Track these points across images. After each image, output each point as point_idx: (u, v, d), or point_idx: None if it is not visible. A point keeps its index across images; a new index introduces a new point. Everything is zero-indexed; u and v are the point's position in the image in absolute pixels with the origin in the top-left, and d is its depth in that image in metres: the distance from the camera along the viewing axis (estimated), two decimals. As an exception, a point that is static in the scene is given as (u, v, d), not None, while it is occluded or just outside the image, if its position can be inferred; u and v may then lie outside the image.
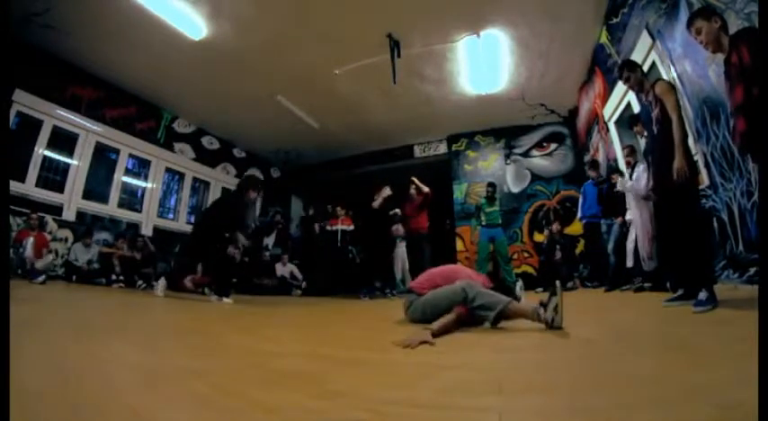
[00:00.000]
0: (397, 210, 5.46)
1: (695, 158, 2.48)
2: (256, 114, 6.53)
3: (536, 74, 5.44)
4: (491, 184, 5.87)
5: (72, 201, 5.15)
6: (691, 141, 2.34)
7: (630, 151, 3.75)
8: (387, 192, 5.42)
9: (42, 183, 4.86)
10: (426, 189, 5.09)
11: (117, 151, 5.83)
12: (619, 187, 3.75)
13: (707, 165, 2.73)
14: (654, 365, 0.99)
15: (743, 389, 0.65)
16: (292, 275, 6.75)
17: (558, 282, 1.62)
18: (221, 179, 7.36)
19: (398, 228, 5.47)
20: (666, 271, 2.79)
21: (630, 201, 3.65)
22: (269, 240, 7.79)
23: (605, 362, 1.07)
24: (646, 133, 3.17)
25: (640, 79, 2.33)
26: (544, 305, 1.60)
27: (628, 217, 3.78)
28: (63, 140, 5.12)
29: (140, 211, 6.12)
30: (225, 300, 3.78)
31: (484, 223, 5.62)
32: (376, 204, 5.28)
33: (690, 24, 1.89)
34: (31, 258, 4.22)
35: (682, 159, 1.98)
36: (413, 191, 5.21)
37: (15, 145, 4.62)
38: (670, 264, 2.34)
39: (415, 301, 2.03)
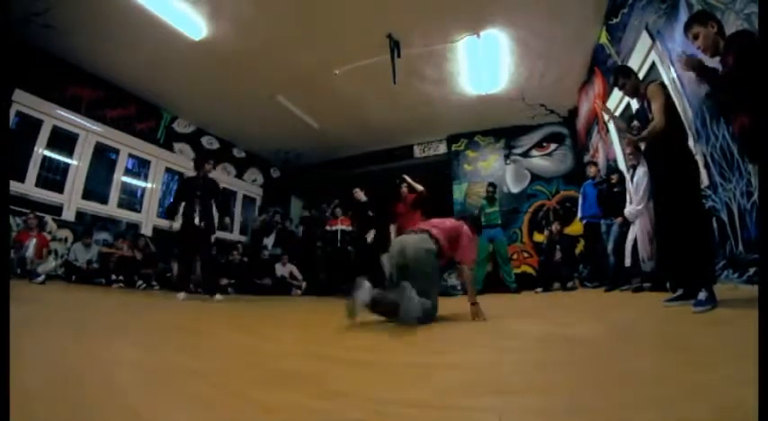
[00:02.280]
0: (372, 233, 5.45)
1: (695, 157, 2.47)
2: (256, 114, 6.53)
3: (536, 74, 5.44)
4: (492, 185, 5.88)
5: (72, 201, 5.14)
6: (690, 142, 2.34)
7: (634, 151, 3.72)
8: (360, 195, 5.46)
9: (42, 182, 4.86)
10: (420, 187, 5.06)
11: (117, 151, 5.83)
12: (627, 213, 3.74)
13: (706, 166, 2.73)
14: (654, 365, 0.99)
15: (743, 388, 0.65)
16: (292, 275, 6.75)
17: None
18: (221, 179, 7.33)
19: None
20: (666, 271, 2.79)
21: (634, 198, 3.63)
22: (268, 240, 7.79)
23: (605, 361, 1.07)
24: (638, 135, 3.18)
25: (635, 85, 2.32)
26: None
27: (626, 211, 3.74)
28: (63, 140, 5.12)
29: (140, 211, 6.12)
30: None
31: (483, 224, 5.62)
32: (370, 239, 5.34)
33: (687, 30, 1.89)
34: (31, 258, 4.22)
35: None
36: (404, 189, 5.19)
37: (15, 145, 4.62)
38: (670, 264, 2.34)
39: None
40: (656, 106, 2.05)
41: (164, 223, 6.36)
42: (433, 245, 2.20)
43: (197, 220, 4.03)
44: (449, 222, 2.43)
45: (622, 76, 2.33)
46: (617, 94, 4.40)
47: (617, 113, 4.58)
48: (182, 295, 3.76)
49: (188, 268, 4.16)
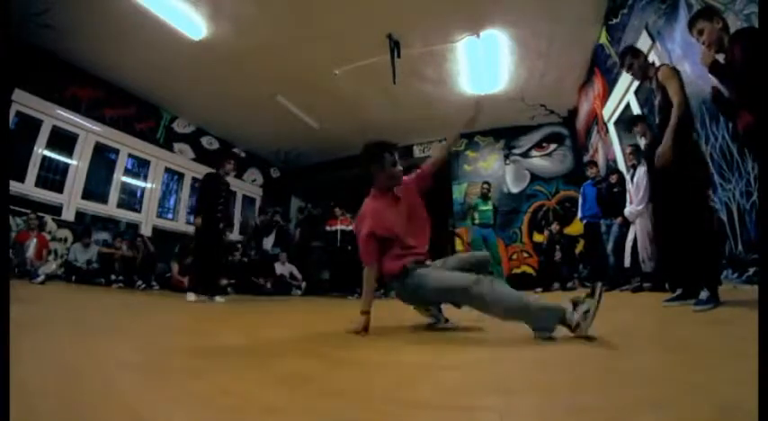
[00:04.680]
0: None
1: (702, 150, 2.43)
2: (256, 114, 6.53)
3: (536, 74, 5.44)
4: (486, 182, 5.89)
5: (71, 201, 5.14)
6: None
7: (634, 151, 3.73)
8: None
9: (42, 182, 4.86)
10: None
11: (116, 151, 5.83)
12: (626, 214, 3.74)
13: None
14: (654, 365, 0.99)
15: (743, 388, 0.65)
16: (292, 275, 6.75)
17: (600, 285, 1.34)
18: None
19: None
20: (667, 271, 2.78)
21: (635, 199, 3.63)
22: (268, 240, 7.79)
23: (605, 361, 1.07)
24: (644, 135, 3.17)
25: (644, 66, 2.27)
26: (576, 305, 1.35)
27: (627, 211, 3.75)
28: (62, 140, 5.12)
29: (140, 211, 6.12)
30: (217, 298, 3.80)
31: (477, 222, 5.62)
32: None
33: (691, 25, 1.88)
34: (32, 259, 4.22)
35: (667, 145, 1.93)
36: None
37: (15, 145, 4.61)
38: (671, 264, 2.33)
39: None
40: (673, 88, 2.01)
41: (167, 224, 6.39)
42: None
43: (217, 221, 3.92)
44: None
45: (631, 56, 2.28)
46: (616, 94, 4.41)
47: (616, 113, 4.59)
48: (192, 296, 3.63)
49: (203, 270, 3.90)
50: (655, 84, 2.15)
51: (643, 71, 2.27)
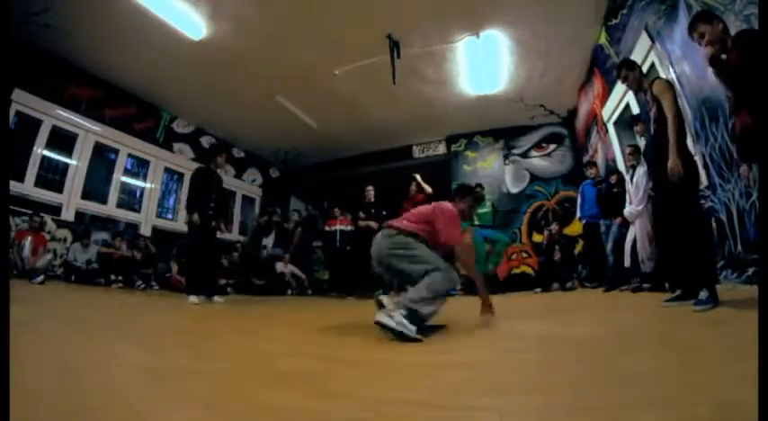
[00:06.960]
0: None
1: (694, 158, 2.48)
2: (256, 114, 6.52)
3: (535, 74, 5.44)
4: (479, 185, 5.87)
5: (71, 200, 5.13)
6: (689, 142, 2.35)
7: (633, 151, 3.73)
8: (371, 194, 5.45)
9: (41, 182, 4.85)
10: (429, 189, 5.07)
11: (116, 151, 5.82)
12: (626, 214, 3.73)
13: (705, 166, 2.73)
14: (654, 365, 0.99)
15: (742, 388, 0.65)
16: (294, 275, 6.74)
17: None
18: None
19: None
20: (666, 271, 2.79)
21: (634, 199, 3.63)
22: (268, 240, 7.78)
23: (605, 361, 1.07)
24: (644, 135, 3.19)
25: (638, 78, 2.33)
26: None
27: (626, 211, 3.74)
28: (62, 140, 5.11)
29: (139, 211, 6.11)
30: (216, 298, 3.77)
31: (477, 223, 5.61)
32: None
33: (692, 28, 1.89)
34: (29, 259, 4.21)
35: (675, 159, 1.98)
36: (413, 187, 5.18)
37: (15, 145, 4.61)
38: (670, 264, 2.34)
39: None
40: (667, 103, 2.07)
41: (166, 224, 6.39)
42: (393, 243, 1.98)
43: (209, 218, 3.78)
44: (423, 208, 2.17)
45: (626, 69, 2.35)
46: (616, 94, 4.42)
47: (616, 113, 4.59)
48: (194, 298, 3.48)
49: (198, 269, 3.77)
50: (649, 96, 2.21)
51: (638, 83, 2.33)
